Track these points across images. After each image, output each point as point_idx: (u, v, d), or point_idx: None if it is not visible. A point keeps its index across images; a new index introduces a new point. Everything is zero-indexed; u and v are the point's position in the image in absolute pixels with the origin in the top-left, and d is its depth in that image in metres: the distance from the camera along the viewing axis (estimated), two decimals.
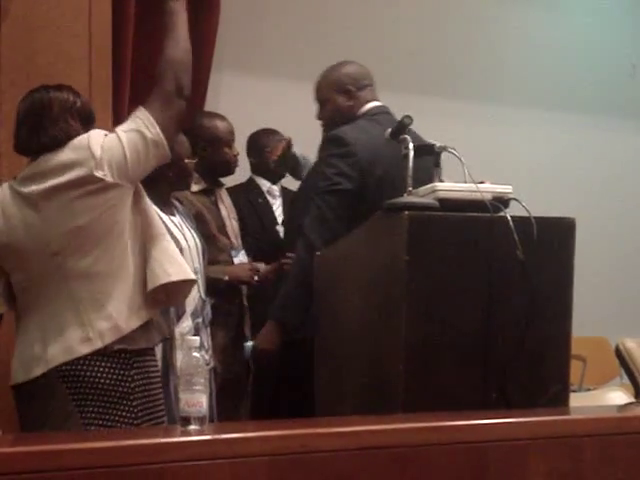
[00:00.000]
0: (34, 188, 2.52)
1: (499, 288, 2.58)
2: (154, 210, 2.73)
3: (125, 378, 2.52)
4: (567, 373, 2.71)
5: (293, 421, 2.41)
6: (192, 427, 2.08)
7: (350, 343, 2.70)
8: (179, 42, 2.61)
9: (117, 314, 2.51)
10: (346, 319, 2.74)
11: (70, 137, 2.55)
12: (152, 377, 2.63)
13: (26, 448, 1.92)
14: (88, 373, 2.48)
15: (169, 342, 2.97)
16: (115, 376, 2.50)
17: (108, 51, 3.53)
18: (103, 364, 2.49)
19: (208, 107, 4.41)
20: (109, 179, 2.49)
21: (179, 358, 3.04)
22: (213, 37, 4.36)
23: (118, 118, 3.76)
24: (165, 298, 2.65)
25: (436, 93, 5.11)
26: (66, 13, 3.45)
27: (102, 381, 2.49)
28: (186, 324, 3.14)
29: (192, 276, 2.68)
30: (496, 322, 2.57)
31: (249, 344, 3.16)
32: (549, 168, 5.45)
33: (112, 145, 2.51)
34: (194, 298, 3.18)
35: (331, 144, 3.11)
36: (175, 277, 2.59)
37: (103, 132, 2.58)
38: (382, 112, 3.21)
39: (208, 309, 3.33)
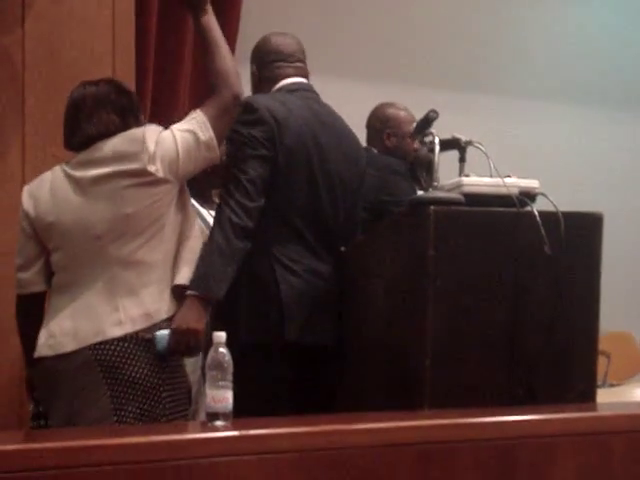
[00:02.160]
0: (86, 173, 2.62)
1: (526, 283, 2.57)
2: (194, 210, 2.84)
3: (156, 369, 2.56)
4: (594, 369, 2.70)
5: (320, 417, 2.40)
6: (219, 423, 2.08)
7: (376, 338, 2.69)
8: (224, 54, 2.69)
9: (149, 303, 2.57)
10: (372, 314, 2.72)
11: (109, 130, 2.63)
12: (179, 371, 2.65)
13: (55, 444, 1.92)
14: (121, 359, 2.53)
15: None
16: (147, 366, 2.54)
17: (131, 45, 3.53)
18: (136, 352, 2.54)
19: None
20: (160, 174, 2.58)
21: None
22: (235, 31, 4.34)
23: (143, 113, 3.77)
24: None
25: (461, 88, 5.08)
26: (89, 7, 3.46)
27: (134, 369, 2.53)
28: None
29: None
30: (523, 318, 2.56)
31: (163, 332, 2.57)
32: (576, 162, 5.41)
33: (166, 142, 2.60)
34: None
35: (241, 112, 2.79)
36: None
37: (159, 128, 2.66)
38: (303, 89, 2.99)
39: None
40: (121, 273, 2.58)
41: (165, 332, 2.56)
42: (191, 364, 3.03)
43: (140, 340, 2.55)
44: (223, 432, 2.05)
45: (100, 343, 2.53)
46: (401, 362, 2.57)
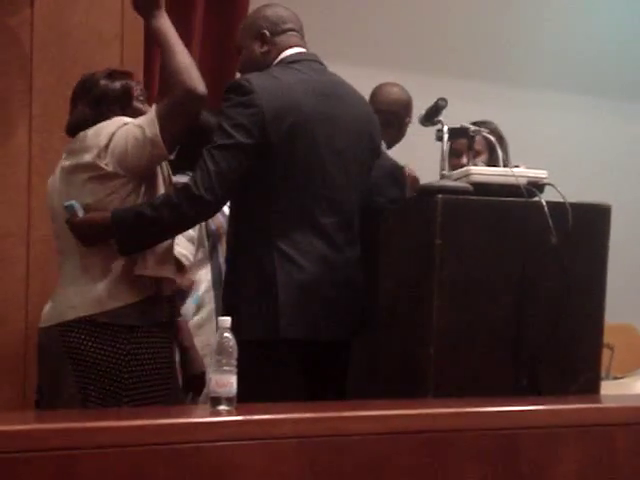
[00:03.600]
0: (65, 163, 2.76)
1: (532, 274, 2.56)
2: None
3: (115, 351, 2.64)
4: (599, 360, 2.69)
5: (324, 404, 2.41)
6: (222, 407, 2.08)
7: (383, 326, 2.69)
8: (177, 53, 2.65)
9: (106, 289, 2.65)
10: (379, 302, 2.72)
11: (79, 121, 2.74)
12: (148, 354, 2.71)
13: (58, 425, 1.92)
14: (81, 341, 2.64)
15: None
16: (106, 347, 2.64)
17: (140, 29, 3.51)
18: (94, 334, 2.64)
19: None
20: (109, 169, 2.65)
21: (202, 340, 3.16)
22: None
23: (149, 97, 3.76)
24: (154, 286, 2.74)
25: (471, 76, 5.07)
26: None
27: (93, 351, 2.64)
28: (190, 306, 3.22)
29: (170, 275, 2.78)
30: (528, 308, 2.55)
31: (77, 205, 2.66)
32: (585, 153, 5.40)
33: (119, 137, 2.65)
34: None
35: (231, 92, 2.67)
36: (151, 273, 2.69)
37: (123, 121, 2.69)
38: (304, 59, 2.80)
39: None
40: (85, 260, 2.68)
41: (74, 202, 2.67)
42: (202, 348, 3.08)
43: (97, 323, 2.63)
44: (226, 416, 2.04)
45: (61, 324, 2.66)
46: (406, 350, 2.57)
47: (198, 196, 2.56)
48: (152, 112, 2.65)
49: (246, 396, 2.18)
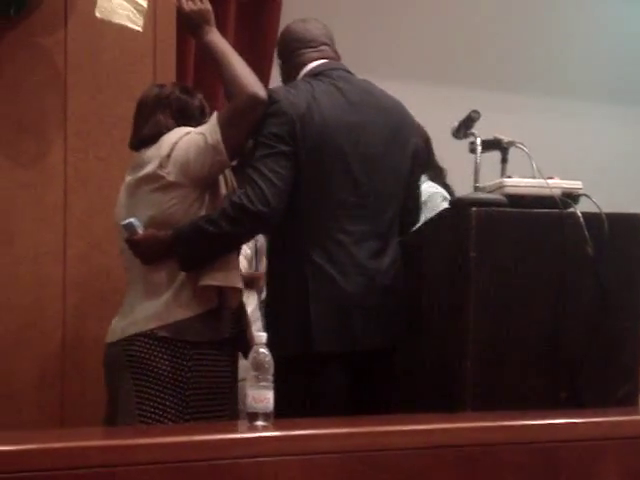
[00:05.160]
0: (128, 179, 2.75)
1: (568, 285, 2.54)
2: None
3: (179, 367, 2.61)
4: (637, 372, 2.66)
5: (363, 418, 2.40)
6: (259, 423, 2.08)
7: (418, 339, 2.68)
8: (232, 62, 2.67)
9: (163, 303, 2.63)
10: (415, 315, 2.71)
11: (160, 132, 2.71)
12: (210, 371, 2.68)
13: (98, 442, 1.94)
14: (144, 354, 2.62)
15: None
16: (170, 362, 2.61)
17: (172, 47, 3.55)
18: (158, 348, 2.62)
19: None
20: (171, 178, 2.63)
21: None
22: (275, 34, 4.34)
23: None
24: (217, 299, 2.70)
25: (503, 88, 5.04)
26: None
27: (157, 365, 2.61)
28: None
29: (236, 284, 2.73)
30: (565, 320, 2.54)
31: (136, 222, 2.67)
32: (618, 163, 5.36)
33: (182, 145, 2.64)
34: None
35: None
36: (218, 282, 2.66)
37: (185, 130, 2.69)
38: (330, 69, 2.81)
39: None
40: (148, 274, 2.67)
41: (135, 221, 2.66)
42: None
43: (157, 337, 2.61)
44: (263, 432, 2.04)
45: (123, 340, 2.65)
46: (442, 363, 2.56)
47: (255, 212, 2.58)
48: (213, 119, 2.65)
49: (285, 411, 2.18)
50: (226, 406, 2.72)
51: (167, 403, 2.59)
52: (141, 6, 2.81)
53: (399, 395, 2.74)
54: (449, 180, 3.64)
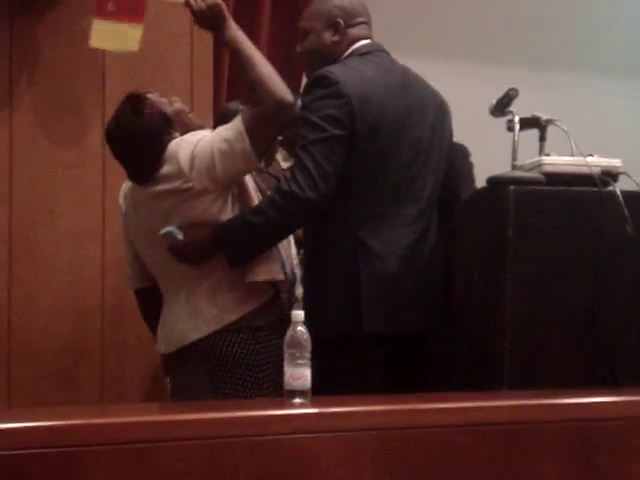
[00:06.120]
0: (142, 191, 2.71)
1: (607, 264, 2.52)
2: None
3: (250, 350, 2.66)
4: None
5: (399, 396, 2.40)
6: (297, 400, 2.09)
7: (457, 318, 2.67)
8: (256, 63, 2.61)
9: (223, 304, 2.67)
10: (454, 294, 2.70)
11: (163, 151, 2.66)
12: (275, 350, 2.68)
13: (137, 418, 1.97)
14: (216, 347, 2.66)
15: None
16: (241, 347, 2.66)
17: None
18: (228, 340, 2.66)
19: None
20: (199, 187, 2.60)
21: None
22: None
23: (218, 94, 3.79)
24: (272, 289, 2.76)
25: (541, 65, 4.99)
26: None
27: (230, 352, 2.66)
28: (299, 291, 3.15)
29: (279, 276, 2.76)
30: (604, 299, 2.51)
31: (175, 229, 2.63)
32: None
33: (203, 154, 2.60)
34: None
35: (316, 85, 2.64)
36: (262, 278, 2.69)
37: (196, 138, 2.65)
38: (376, 50, 2.78)
39: None
40: (199, 282, 2.67)
41: (176, 229, 2.61)
42: None
43: (232, 329, 2.66)
44: (300, 409, 2.06)
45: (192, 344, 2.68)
46: (480, 342, 2.56)
47: (304, 199, 2.55)
48: (238, 124, 2.60)
49: (327, 392, 2.20)
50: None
51: (241, 389, 2.65)
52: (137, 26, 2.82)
53: (436, 377, 2.74)
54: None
